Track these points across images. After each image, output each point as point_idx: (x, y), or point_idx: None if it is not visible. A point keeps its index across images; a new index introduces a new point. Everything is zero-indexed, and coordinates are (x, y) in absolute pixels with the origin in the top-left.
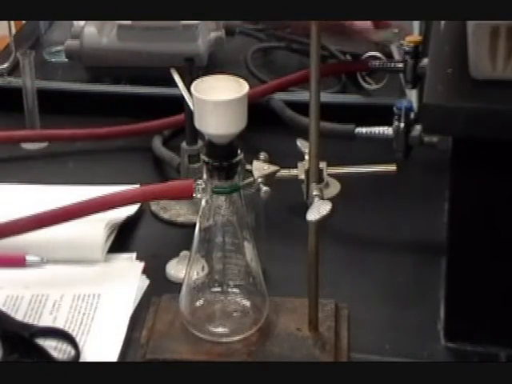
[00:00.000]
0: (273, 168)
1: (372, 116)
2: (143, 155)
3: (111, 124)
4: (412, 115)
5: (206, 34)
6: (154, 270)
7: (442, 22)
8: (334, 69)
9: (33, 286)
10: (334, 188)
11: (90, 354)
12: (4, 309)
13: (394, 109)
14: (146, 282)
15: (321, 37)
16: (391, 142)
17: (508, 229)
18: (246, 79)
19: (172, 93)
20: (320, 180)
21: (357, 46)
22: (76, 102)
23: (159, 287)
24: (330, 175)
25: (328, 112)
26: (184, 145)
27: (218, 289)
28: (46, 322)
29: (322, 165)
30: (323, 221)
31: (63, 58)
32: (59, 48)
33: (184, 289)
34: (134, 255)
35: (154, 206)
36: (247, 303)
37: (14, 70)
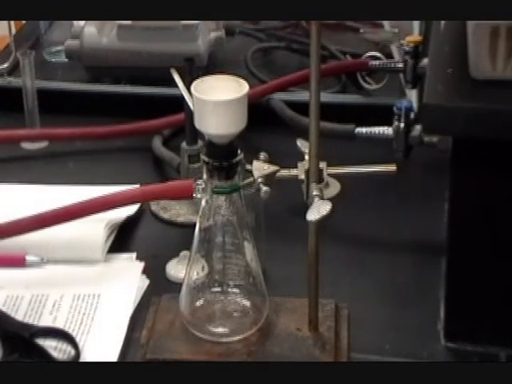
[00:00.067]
0: (273, 168)
1: (372, 116)
2: (143, 155)
3: (111, 124)
4: (412, 115)
5: (206, 34)
6: (154, 270)
7: (442, 22)
8: (333, 69)
9: (33, 286)
10: (334, 188)
11: (89, 354)
12: (4, 309)
13: (394, 109)
14: (146, 282)
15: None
16: (391, 142)
17: (508, 229)
18: (246, 79)
19: (172, 93)
20: (320, 180)
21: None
22: (76, 102)
23: (159, 287)
24: (330, 175)
25: (328, 112)
26: (184, 145)
27: (218, 289)
28: (46, 321)
29: (322, 165)
30: (323, 221)
31: (63, 58)
32: (59, 48)
33: (184, 289)
34: (134, 255)
35: (154, 206)
36: (247, 303)
37: (14, 70)
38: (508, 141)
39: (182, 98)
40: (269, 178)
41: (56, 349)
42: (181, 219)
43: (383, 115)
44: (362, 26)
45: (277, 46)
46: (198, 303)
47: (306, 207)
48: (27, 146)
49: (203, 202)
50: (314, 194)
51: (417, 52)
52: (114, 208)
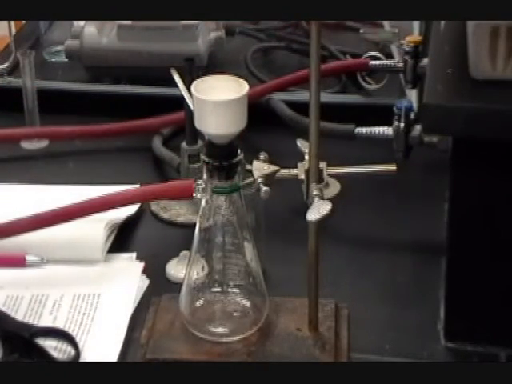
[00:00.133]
0: (273, 168)
1: (372, 116)
2: (143, 155)
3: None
4: (412, 115)
5: (206, 34)
6: (154, 270)
7: (442, 22)
8: (334, 69)
9: (33, 286)
10: (334, 188)
11: (89, 354)
12: (4, 309)
13: (394, 109)
14: (146, 282)
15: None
16: (391, 141)
17: (508, 229)
18: (246, 79)
19: (172, 93)
20: (320, 180)
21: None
22: (76, 102)
23: (159, 287)
24: (330, 175)
25: (328, 112)
26: (184, 145)
27: (218, 289)
28: (45, 322)
29: (322, 165)
30: (323, 221)
31: (63, 58)
32: (59, 48)
33: (184, 289)
34: (134, 255)
35: (154, 206)
36: (247, 303)
37: (14, 70)
38: (508, 141)
39: (182, 97)
40: (269, 178)
41: (56, 349)
42: (181, 219)
43: (383, 115)
44: (362, 25)
45: (277, 46)
46: (198, 303)
47: (306, 207)
48: (27, 145)
49: (203, 202)
50: (314, 193)
51: (417, 52)
52: (113, 208)
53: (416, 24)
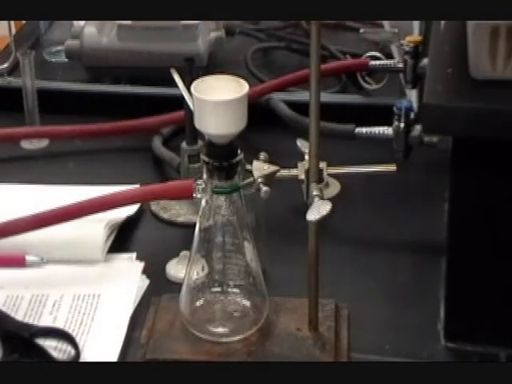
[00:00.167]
0: (273, 168)
1: (372, 116)
2: (143, 155)
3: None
4: (412, 115)
5: (206, 34)
6: (154, 270)
7: (442, 22)
8: (334, 69)
9: (33, 286)
10: (334, 188)
11: (89, 354)
12: (4, 309)
13: (394, 109)
14: (146, 282)
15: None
16: (391, 141)
17: (508, 229)
18: (245, 79)
19: (172, 93)
20: (320, 180)
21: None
22: (76, 102)
23: (159, 287)
24: (330, 175)
25: (328, 112)
26: (184, 145)
27: (218, 289)
28: (45, 322)
29: (322, 165)
30: (323, 221)
31: (63, 58)
32: (59, 48)
33: (184, 289)
34: (134, 255)
35: (154, 206)
36: (247, 303)
37: (14, 70)
38: (508, 141)
39: (182, 97)
40: (269, 178)
41: (56, 349)
42: (181, 219)
43: (383, 115)
44: (362, 25)
45: (277, 46)
46: (198, 303)
47: (306, 207)
48: (27, 145)
49: (203, 202)
50: (314, 194)
51: (417, 52)
52: (113, 208)
53: (416, 24)
